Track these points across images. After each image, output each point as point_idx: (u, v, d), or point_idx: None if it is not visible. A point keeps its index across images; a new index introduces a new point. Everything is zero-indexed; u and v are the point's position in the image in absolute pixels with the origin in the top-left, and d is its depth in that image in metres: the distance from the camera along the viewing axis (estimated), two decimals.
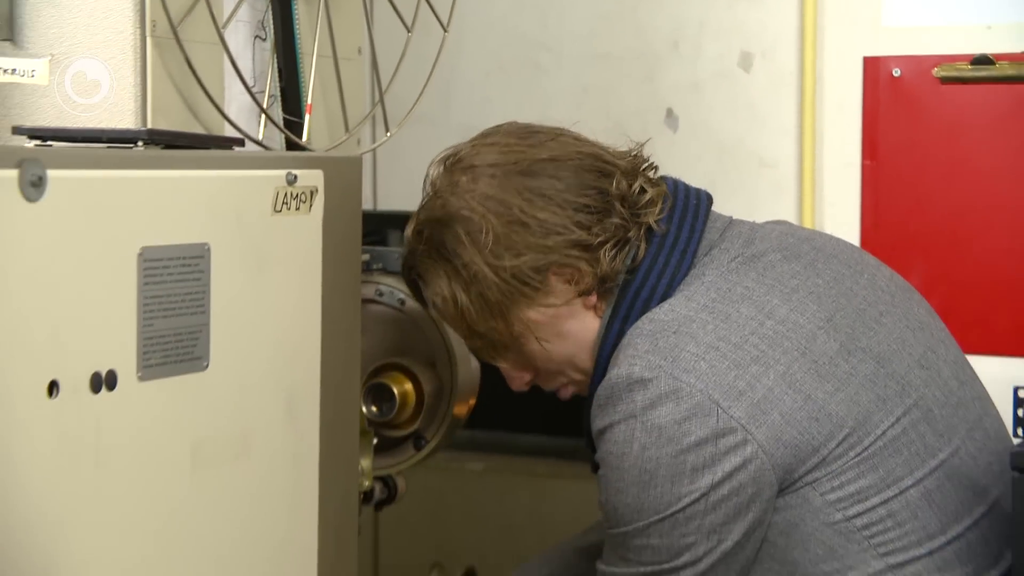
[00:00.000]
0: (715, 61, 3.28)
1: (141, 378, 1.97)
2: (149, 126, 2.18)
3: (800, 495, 2.13)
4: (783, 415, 2.10)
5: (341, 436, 2.37)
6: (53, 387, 1.84)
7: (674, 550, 2.15)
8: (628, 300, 2.26)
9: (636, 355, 2.15)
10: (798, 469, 2.11)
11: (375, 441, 2.65)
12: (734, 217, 2.37)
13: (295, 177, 2.22)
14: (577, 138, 2.34)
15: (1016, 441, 1.98)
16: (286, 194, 2.20)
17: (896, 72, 3.13)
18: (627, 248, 2.26)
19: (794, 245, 2.30)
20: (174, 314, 2.02)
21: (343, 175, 2.33)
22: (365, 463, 2.56)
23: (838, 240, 2.40)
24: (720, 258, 2.26)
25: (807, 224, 3.20)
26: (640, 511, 2.15)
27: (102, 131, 2.04)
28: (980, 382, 2.35)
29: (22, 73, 2.18)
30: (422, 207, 2.34)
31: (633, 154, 2.35)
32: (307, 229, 2.26)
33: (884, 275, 2.34)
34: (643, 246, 2.26)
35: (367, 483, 2.57)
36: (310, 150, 2.41)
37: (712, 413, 2.09)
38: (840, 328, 2.19)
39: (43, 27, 2.18)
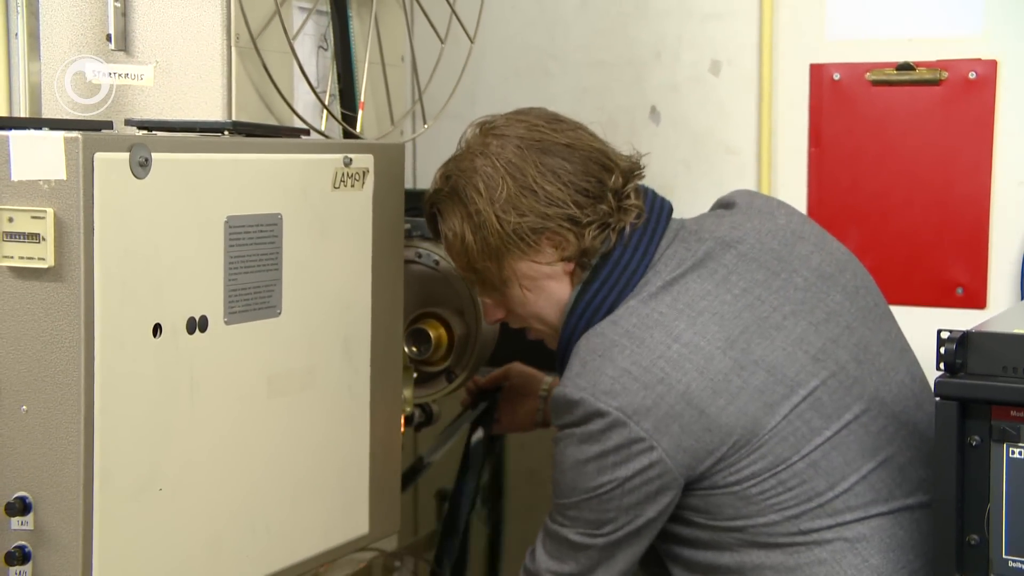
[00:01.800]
0: (690, 67, 3.27)
1: (227, 322, 1.98)
2: (233, 118, 2.17)
3: (708, 481, 2.16)
4: (682, 428, 2.12)
5: (387, 371, 2.38)
6: (157, 329, 1.85)
7: (600, 522, 2.21)
8: (590, 295, 2.27)
9: (569, 377, 2.18)
10: (697, 467, 2.14)
11: (415, 375, 2.65)
12: (685, 219, 2.37)
13: (351, 160, 2.22)
14: (592, 135, 2.33)
15: (937, 374, 1.98)
16: (343, 174, 2.21)
17: (836, 76, 3.12)
18: (606, 232, 2.27)
19: (718, 255, 2.27)
20: (253, 271, 2.03)
21: (389, 159, 2.34)
22: (407, 393, 2.55)
23: (775, 233, 2.34)
24: (652, 281, 2.25)
25: None
26: (574, 490, 2.20)
27: (195, 122, 2.04)
28: (889, 353, 2.31)
29: (133, 77, 2.19)
30: (454, 158, 2.33)
31: (633, 159, 2.35)
32: (360, 203, 2.27)
33: (810, 267, 2.30)
34: (614, 239, 2.27)
35: (409, 409, 2.57)
36: (363, 139, 2.41)
37: (626, 426, 2.12)
38: (736, 346, 2.17)
39: (150, 40, 2.18)
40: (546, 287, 2.31)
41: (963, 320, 2.20)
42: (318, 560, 2.25)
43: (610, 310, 2.25)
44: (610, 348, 2.17)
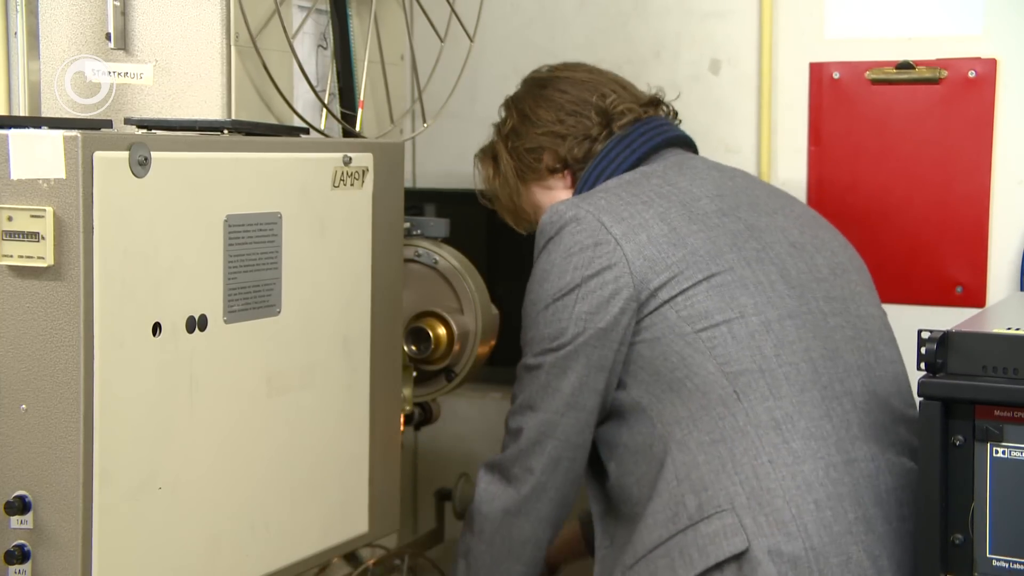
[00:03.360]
0: (690, 66, 3.26)
1: (227, 321, 1.98)
2: (233, 117, 2.18)
3: (660, 314, 2.23)
4: (649, 237, 2.25)
5: (387, 370, 2.38)
6: (157, 328, 1.86)
7: (553, 335, 2.30)
8: (580, 183, 2.49)
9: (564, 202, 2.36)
10: (653, 281, 2.24)
11: (415, 374, 2.65)
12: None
13: (350, 159, 2.22)
14: (610, 75, 2.63)
15: (920, 374, 2.00)
16: (343, 173, 2.21)
17: (836, 75, 3.12)
18: (587, 144, 2.51)
19: (728, 169, 2.48)
20: (253, 269, 2.03)
21: (389, 158, 2.34)
22: (407, 392, 2.56)
23: (781, 191, 2.53)
24: (654, 164, 2.45)
25: None
26: (536, 303, 2.32)
27: (195, 121, 2.04)
28: (864, 290, 2.41)
29: (133, 76, 2.19)
30: None
31: (651, 95, 2.62)
32: (360, 201, 2.27)
33: (805, 211, 2.47)
34: (600, 146, 2.50)
35: (408, 408, 2.57)
36: (362, 137, 2.41)
37: (598, 228, 2.27)
38: (726, 200, 2.35)
39: (149, 39, 2.18)
40: (553, 199, 2.55)
41: (963, 319, 2.19)
42: (318, 559, 2.25)
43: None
44: (607, 188, 2.37)
